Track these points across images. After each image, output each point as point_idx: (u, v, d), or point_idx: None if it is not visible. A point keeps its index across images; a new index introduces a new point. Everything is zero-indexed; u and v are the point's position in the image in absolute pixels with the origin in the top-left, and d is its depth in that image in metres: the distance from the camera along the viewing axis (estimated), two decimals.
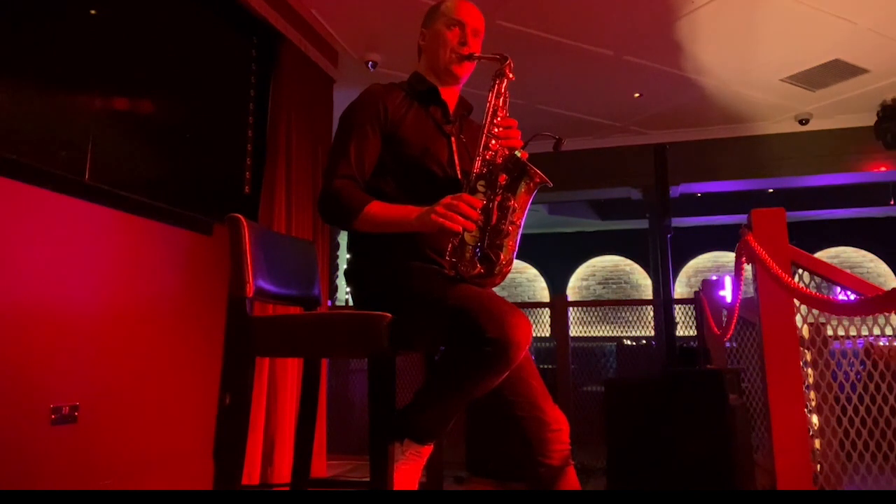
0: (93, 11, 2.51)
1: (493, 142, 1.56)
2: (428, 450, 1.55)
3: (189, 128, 3.04)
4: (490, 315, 1.38)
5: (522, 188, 1.51)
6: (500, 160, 1.54)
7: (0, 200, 2.06)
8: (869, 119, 5.18)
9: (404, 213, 1.54)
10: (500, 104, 1.62)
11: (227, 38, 3.41)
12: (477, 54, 1.70)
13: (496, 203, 1.51)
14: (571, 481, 1.56)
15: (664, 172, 5.82)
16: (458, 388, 1.47)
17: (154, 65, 2.84)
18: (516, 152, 1.52)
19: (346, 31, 4.04)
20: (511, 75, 1.64)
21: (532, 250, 10.24)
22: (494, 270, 1.50)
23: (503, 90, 1.64)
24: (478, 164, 1.55)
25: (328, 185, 1.60)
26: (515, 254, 1.54)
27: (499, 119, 1.60)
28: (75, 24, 2.44)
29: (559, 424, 1.57)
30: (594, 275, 10.32)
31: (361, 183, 1.62)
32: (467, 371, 1.43)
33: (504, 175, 1.52)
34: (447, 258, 1.51)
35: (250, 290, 1.56)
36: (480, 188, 1.52)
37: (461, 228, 1.45)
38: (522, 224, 1.54)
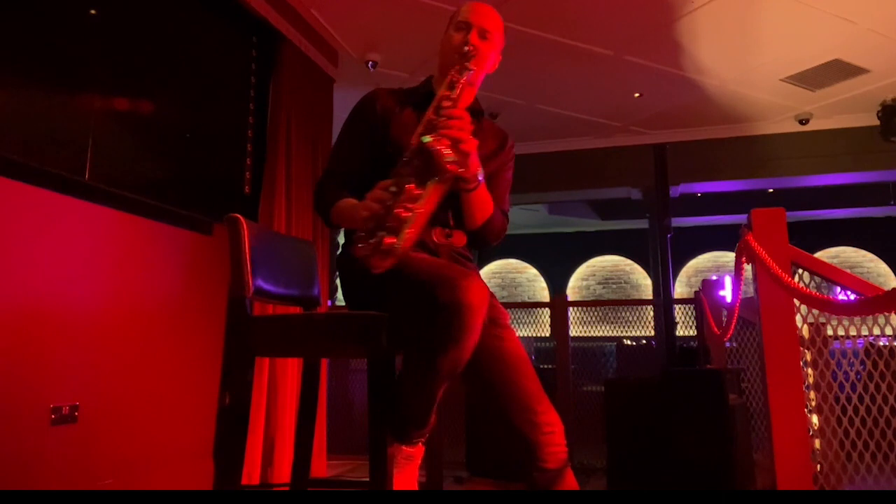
0: (93, 11, 2.51)
1: (432, 132, 1.48)
2: (419, 451, 1.55)
3: (189, 127, 3.04)
4: (440, 281, 1.37)
5: (433, 176, 1.44)
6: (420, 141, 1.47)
7: (0, 200, 2.06)
8: (869, 119, 5.18)
9: (356, 210, 1.51)
10: (450, 94, 1.53)
11: (228, 38, 3.41)
12: (470, 50, 1.61)
13: (401, 186, 1.44)
14: (569, 482, 1.55)
15: (664, 172, 5.82)
16: (426, 368, 1.43)
17: (154, 65, 2.84)
18: (424, 139, 1.45)
19: (346, 31, 4.04)
20: (472, 66, 1.56)
21: (532, 250, 10.24)
22: (379, 252, 1.41)
23: (461, 81, 1.54)
24: (408, 152, 1.49)
25: (316, 184, 1.71)
26: (413, 244, 1.45)
27: (445, 109, 1.51)
28: (75, 24, 2.44)
29: (552, 427, 1.55)
30: (594, 275, 10.31)
31: (346, 181, 1.64)
32: (429, 345, 1.40)
33: (417, 162, 1.45)
34: (357, 234, 1.47)
35: (250, 290, 1.57)
36: (405, 172, 1.46)
37: (370, 213, 1.43)
38: (429, 213, 1.46)
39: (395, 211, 1.41)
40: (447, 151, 1.44)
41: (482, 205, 1.62)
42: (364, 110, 1.71)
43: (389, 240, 1.40)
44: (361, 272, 1.53)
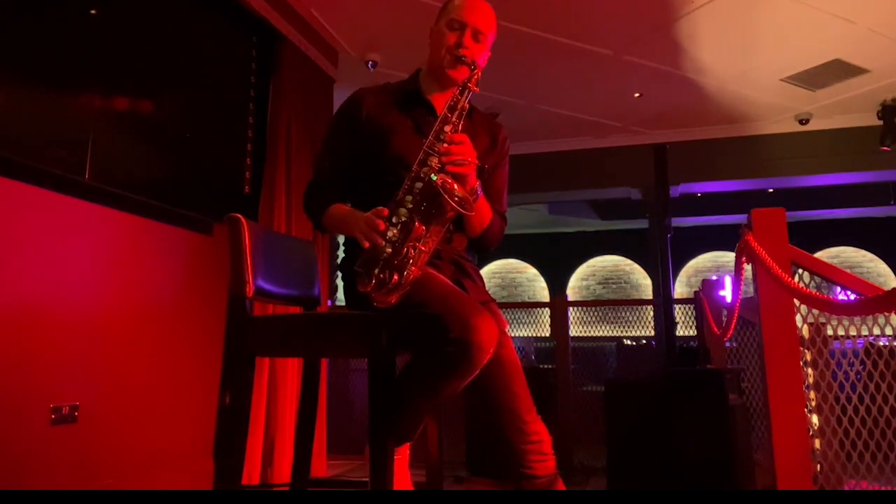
0: (93, 11, 2.51)
1: (434, 158, 1.47)
2: (404, 449, 1.55)
3: (189, 127, 3.04)
4: (454, 315, 1.37)
5: (436, 214, 1.43)
6: (427, 178, 1.45)
7: (0, 200, 2.06)
8: (869, 119, 5.18)
9: (349, 224, 1.53)
10: (453, 117, 1.52)
11: (228, 38, 3.41)
12: (468, 59, 1.59)
13: (410, 225, 1.43)
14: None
15: (664, 172, 5.82)
16: (422, 388, 1.47)
17: (154, 65, 2.84)
18: (432, 176, 1.43)
19: (346, 31, 4.04)
20: (476, 88, 1.54)
21: (532, 250, 10.24)
22: (384, 290, 1.41)
23: (463, 103, 1.53)
24: (408, 180, 1.48)
25: (306, 187, 1.71)
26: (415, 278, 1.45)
27: (446, 135, 1.49)
28: (75, 24, 2.43)
29: (539, 436, 1.53)
30: (594, 275, 10.31)
31: (331, 187, 1.66)
32: (430, 371, 1.43)
33: (421, 199, 1.44)
34: (356, 268, 1.45)
35: (250, 290, 1.57)
36: (409, 203, 1.45)
37: (368, 244, 1.43)
38: (432, 250, 1.47)
39: (403, 249, 1.41)
40: (453, 189, 1.43)
41: (481, 215, 1.61)
42: (348, 114, 1.70)
43: (396, 277, 1.40)
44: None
